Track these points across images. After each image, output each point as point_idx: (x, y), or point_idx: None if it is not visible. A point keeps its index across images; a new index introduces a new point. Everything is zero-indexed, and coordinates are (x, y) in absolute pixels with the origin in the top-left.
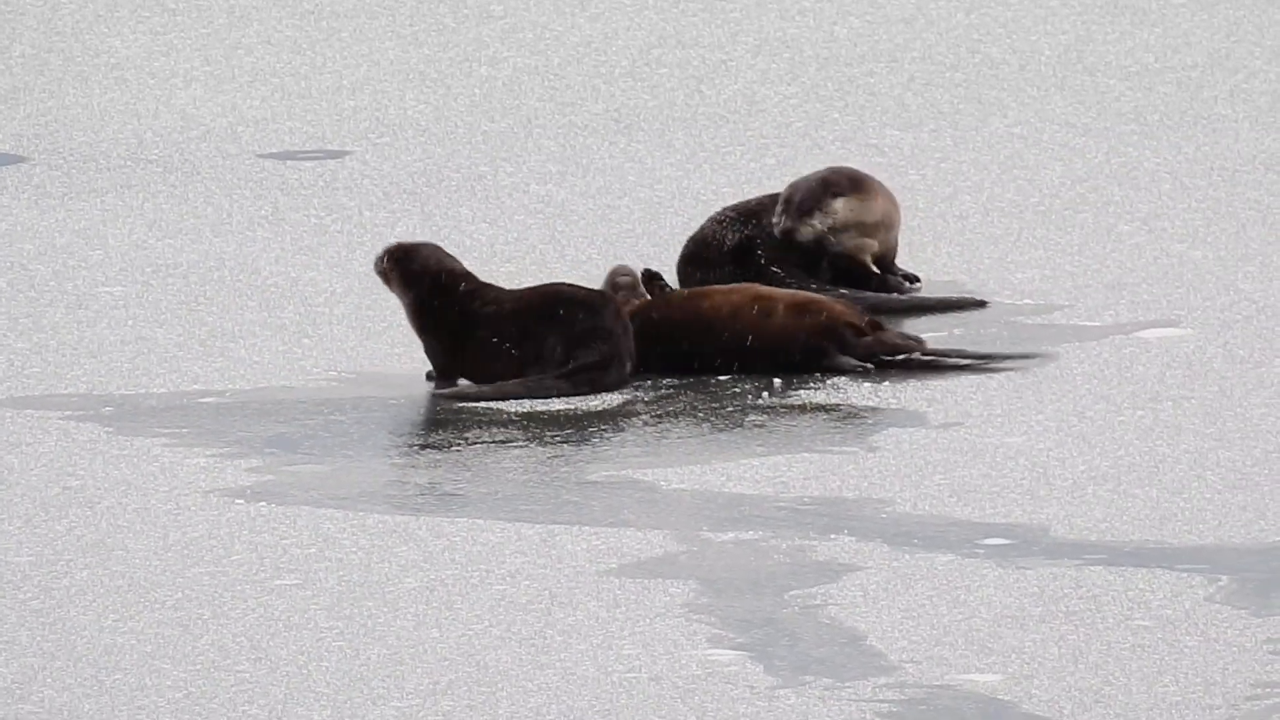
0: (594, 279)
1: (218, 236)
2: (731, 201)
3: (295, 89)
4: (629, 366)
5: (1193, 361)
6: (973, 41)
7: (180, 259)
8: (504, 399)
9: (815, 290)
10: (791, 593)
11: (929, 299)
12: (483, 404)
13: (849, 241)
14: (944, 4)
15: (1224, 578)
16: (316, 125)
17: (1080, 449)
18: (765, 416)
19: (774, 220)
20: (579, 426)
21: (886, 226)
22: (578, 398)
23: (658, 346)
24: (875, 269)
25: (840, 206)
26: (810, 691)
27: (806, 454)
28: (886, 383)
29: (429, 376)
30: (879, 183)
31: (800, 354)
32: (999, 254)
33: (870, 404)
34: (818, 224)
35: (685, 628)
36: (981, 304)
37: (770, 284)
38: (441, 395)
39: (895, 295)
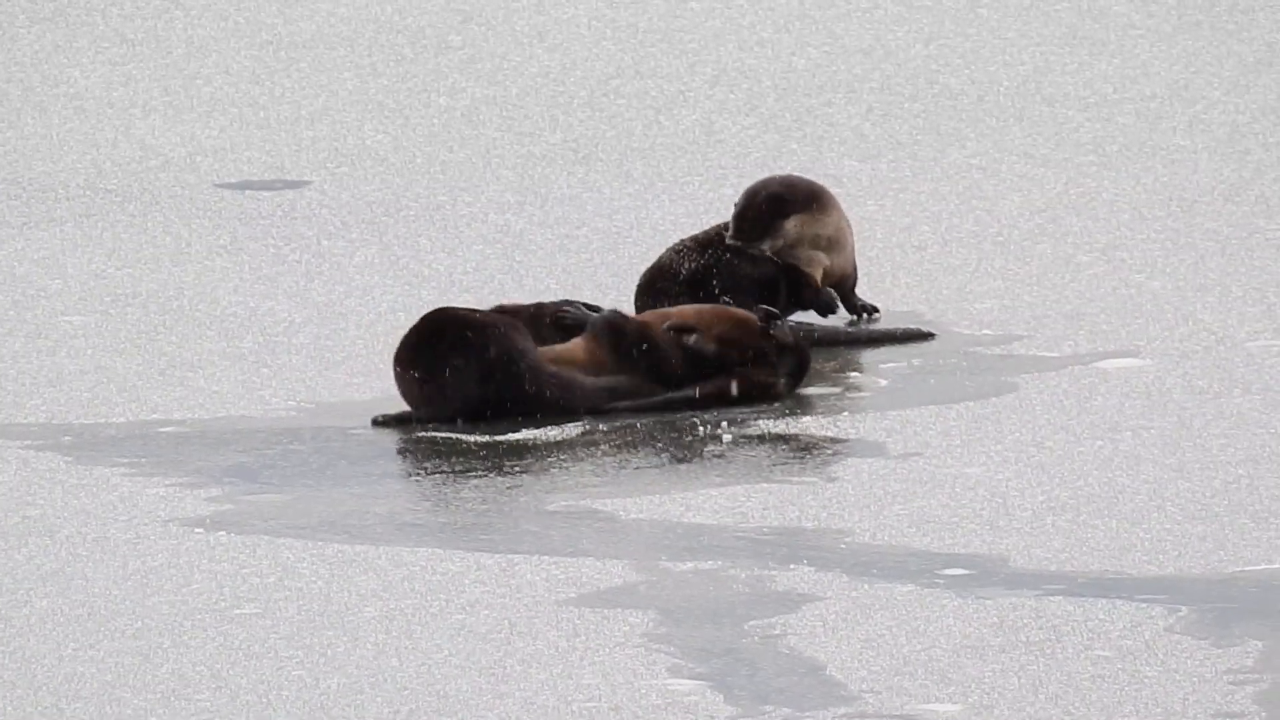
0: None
1: (176, 266)
2: (689, 231)
3: (254, 119)
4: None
5: (1152, 392)
6: (931, 72)
7: (139, 288)
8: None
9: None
10: (751, 623)
11: (876, 331)
12: (441, 435)
13: (800, 254)
14: (902, 35)
15: (1184, 608)
16: (275, 155)
17: (1040, 479)
18: (724, 447)
19: (728, 235)
20: (538, 456)
21: (839, 244)
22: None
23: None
24: (820, 285)
25: (791, 226)
26: None
27: (765, 484)
28: (845, 413)
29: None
30: (834, 199)
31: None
32: (958, 284)
33: (829, 434)
34: (767, 248)
35: (645, 657)
36: (930, 336)
37: None
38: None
39: (844, 327)
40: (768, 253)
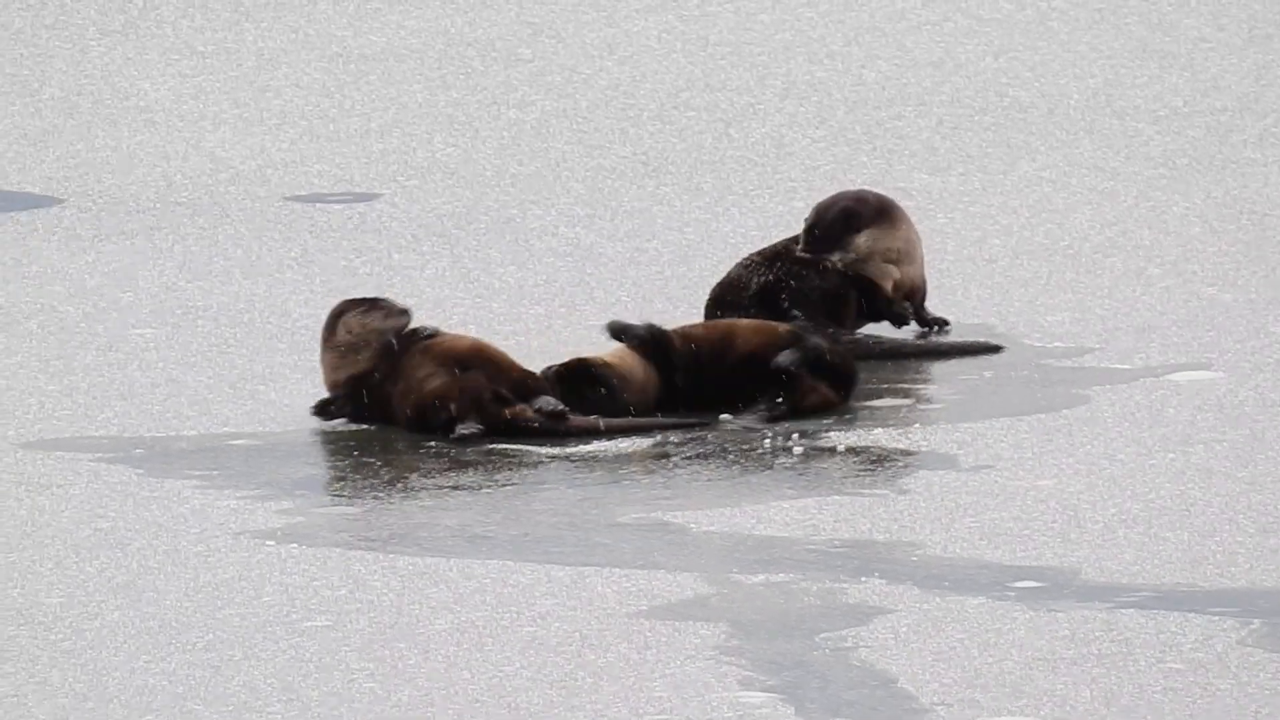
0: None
1: (247, 279)
2: (759, 245)
3: (324, 132)
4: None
5: (1224, 404)
6: (1001, 85)
7: (210, 301)
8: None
9: (832, 334)
10: (822, 635)
11: (946, 343)
12: (512, 447)
13: (872, 267)
14: (972, 48)
15: (1256, 621)
16: (345, 168)
17: (1111, 492)
18: (795, 459)
19: (799, 248)
20: (609, 469)
21: (909, 257)
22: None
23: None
24: (893, 296)
25: (862, 240)
26: None
27: (837, 496)
28: (917, 425)
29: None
30: (904, 212)
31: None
32: (1029, 297)
33: (900, 447)
34: (838, 260)
35: (716, 670)
36: (999, 349)
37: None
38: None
39: (912, 340)
40: (838, 265)
